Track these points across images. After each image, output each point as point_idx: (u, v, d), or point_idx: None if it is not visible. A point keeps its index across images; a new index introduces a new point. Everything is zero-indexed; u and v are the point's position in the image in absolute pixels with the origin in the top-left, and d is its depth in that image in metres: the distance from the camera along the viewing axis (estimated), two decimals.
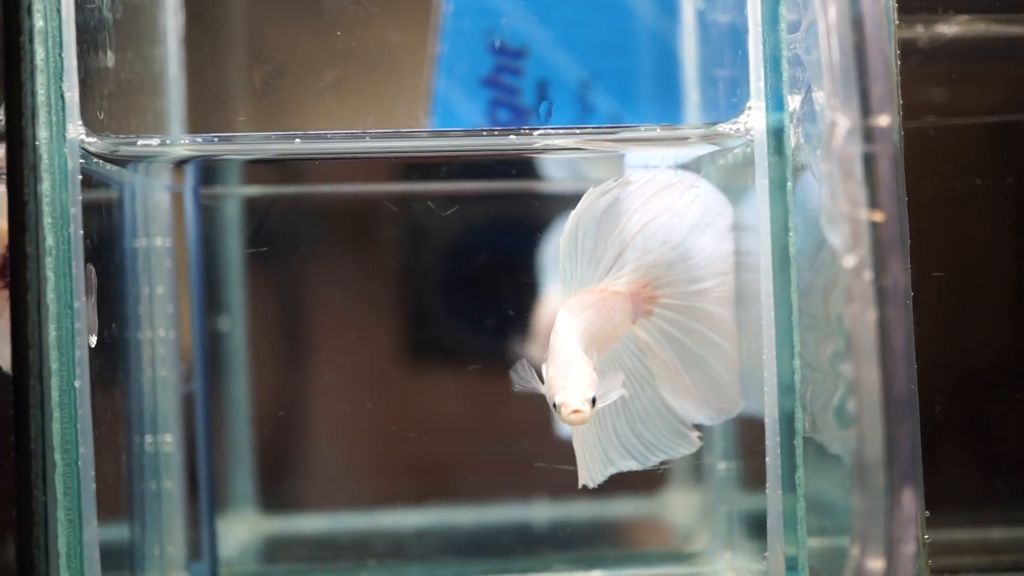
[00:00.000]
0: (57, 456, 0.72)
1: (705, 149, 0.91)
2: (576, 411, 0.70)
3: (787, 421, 0.75)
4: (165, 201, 0.92)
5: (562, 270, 0.75)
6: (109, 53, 0.81)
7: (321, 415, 1.03)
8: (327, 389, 1.02)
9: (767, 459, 0.76)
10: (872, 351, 0.64)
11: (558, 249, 0.74)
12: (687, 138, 0.85)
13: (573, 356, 0.72)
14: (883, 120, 0.65)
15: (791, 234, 0.75)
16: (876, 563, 0.65)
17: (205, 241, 0.94)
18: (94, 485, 0.73)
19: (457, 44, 0.95)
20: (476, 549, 1.01)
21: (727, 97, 0.87)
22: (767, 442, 0.76)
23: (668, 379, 0.77)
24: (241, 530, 1.00)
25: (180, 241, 0.93)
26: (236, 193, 0.99)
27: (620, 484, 1.00)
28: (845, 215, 0.65)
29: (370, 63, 0.94)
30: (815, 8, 0.67)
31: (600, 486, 1.01)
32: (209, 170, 0.95)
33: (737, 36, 0.85)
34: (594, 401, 0.71)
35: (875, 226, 0.65)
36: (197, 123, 0.94)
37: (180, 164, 0.91)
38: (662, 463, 0.79)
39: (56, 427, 0.72)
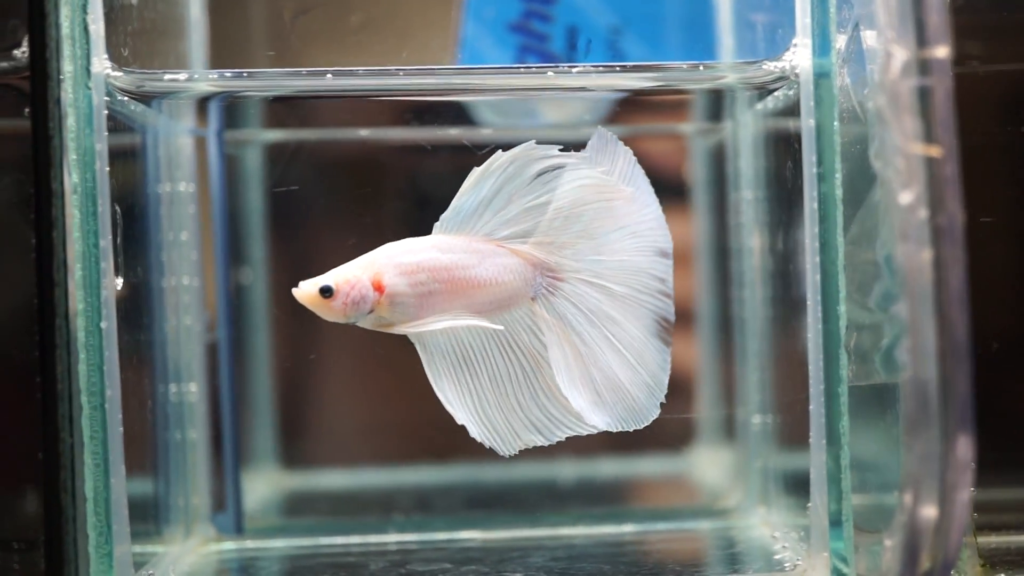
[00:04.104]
0: (83, 399, 0.70)
1: (743, 92, 0.89)
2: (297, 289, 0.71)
3: (831, 369, 0.73)
4: (188, 145, 0.90)
5: (457, 202, 0.72)
6: None
7: (344, 369, 1.01)
8: (350, 342, 1.01)
9: (811, 408, 0.74)
10: (927, 291, 0.62)
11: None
12: (725, 77, 0.83)
13: (377, 255, 0.71)
14: (940, 52, 0.63)
15: (837, 176, 0.73)
16: (930, 510, 0.63)
17: (229, 186, 0.92)
18: (121, 429, 0.71)
19: None
20: (502, 505, 0.99)
21: (767, 39, 0.84)
22: (811, 391, 0.74)
23: (564, 367, 0.73)
24: (261, 485, 0.98)
25: (203, 186, 0.91)
26: (259, 138, 0.97)
27: (649, 441, 0.99)
28: (899, 150, 0.63)
29: (397, 6, 0.92)
30: None
31: (629, 443, 1.01)
32: (232, 113, 0.92)
33: None
34: (328, 291, 0.70)
35: (931, 162, 0.63)
36: (219, 66, 0.92)
37: (204, 104, 0.89)
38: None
39: (82, 369, 0.70)
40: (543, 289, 0.73)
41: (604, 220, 0.74)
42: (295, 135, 0.97)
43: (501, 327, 0.72)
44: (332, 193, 0.96)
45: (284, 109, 0.96)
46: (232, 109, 0.92)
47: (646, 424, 0.75)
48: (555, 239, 0.73)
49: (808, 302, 0.74)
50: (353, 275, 0.71)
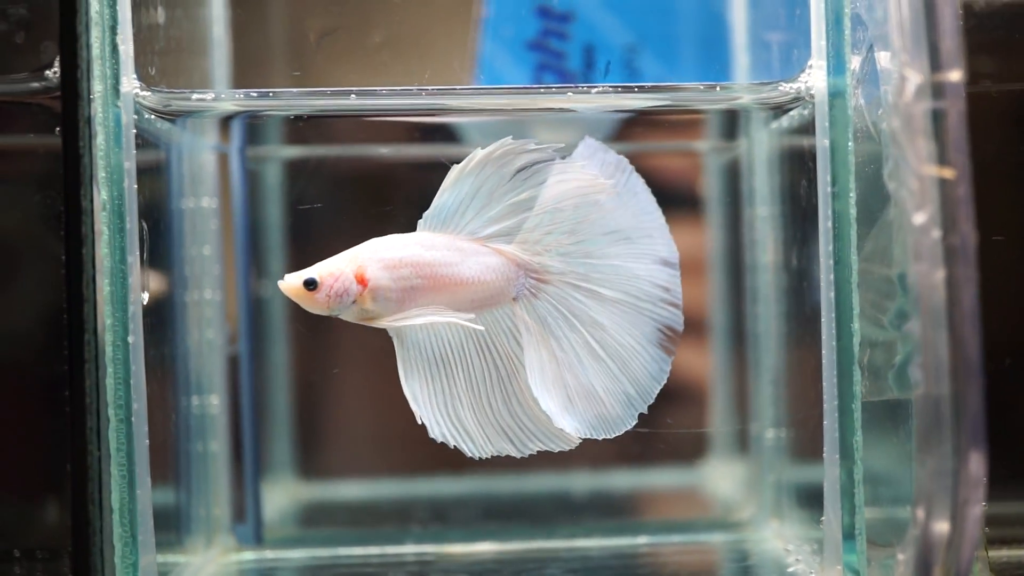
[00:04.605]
0: (110, 411, 0.72)
1: (759, 112, 0.90)
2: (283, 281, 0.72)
3: (845, 384, 0.74)
4: (211, 162, 0.92)
5: (438, 200, 0.72)
6: (160, 9, 0.81)
7: (360, 382, 1.02)
8: (367, 355, 1.02)
9: (824, 423, 0.75)
10: (940, 310, 0.63)
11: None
12: (740, 98, 0.84)
13: (361, 249, 0.72)
14: (953, 75, 0.64)
15: (852, 195, 0.74)
16: (942, 526, 0.64)
17: (251, 202, 0.94)
18: (147, 441, 0.73)
19: (503, 7, 0.94)
20: (517, 516, 1.00)
21: (782, 59, 0.86)
22: (824, 406, 0.75)
23: (538, 369, 0.73)
24: (280, 496, 1.00)
25: (225, 202, 0.92)
26: (279, 155, 0.98)
27: (661, 454, 1.00)
28: (913, 172, 0.64)
29: (415, 25, 0.93)
30: None
31: (643, 456, 1.02)
32: (254, 129, 0.94)
33: None
34: (312, 284, 0.71)
35: (944, 183, 0.64)
36: (241, 84, 0.93)
37: (226, 121, 0.90)
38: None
39: (110, 382, 0.72)
40: (526, 290, 0.74)
41: (591, 221, 0.74)
42: (315, 152, 0.98)
43: (482, 327, 0.73)
44: (351, 209, 0.98)
45: (304, 126, 0.97)
46: (253, 126, 0.93)
47: (617, 434, 0.75)
48: (540, 239, 0.73)
49: (822, 318, 0.75)
50: (337, 268, 0.72)
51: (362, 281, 0.72)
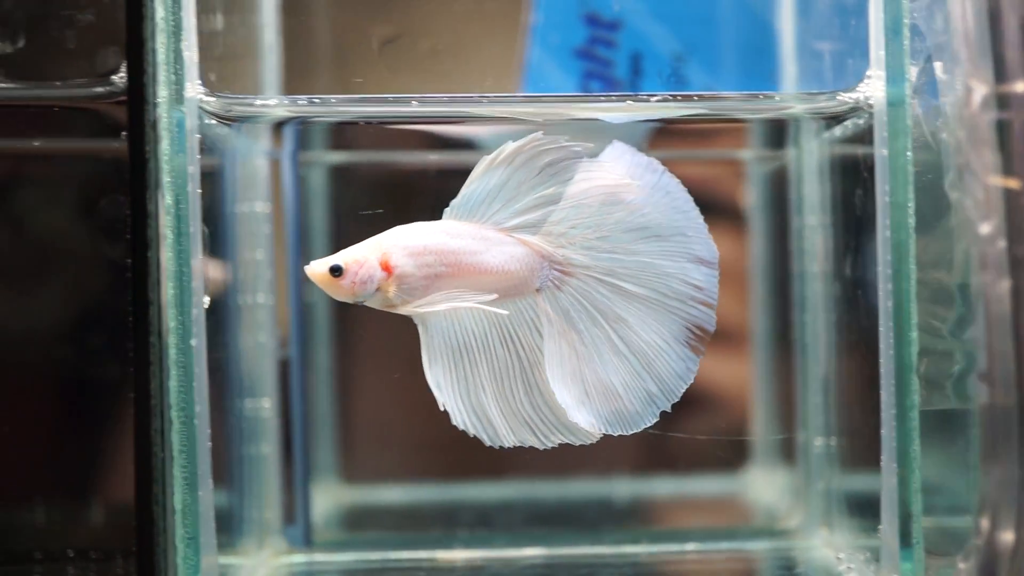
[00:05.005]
0: (173, 414, 0.72)
1: (810, 121, 0.90)
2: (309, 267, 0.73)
3: (903, 394, 0.74)
4: (264, 166, 0.93)
5: (466, 190, 0.73)
6: (219, 16, 0.81)
7: (403, 387, 1.03)
8: (414, 358, 1.02)
9: (882, 432, 0.75)
10: (1006, 320, 0.63)
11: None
12: (792, 107, 0.84)
13: (386, 237, 0.73)
14: (1019, 86, 0.65)
15: (910, 205, 0.74)
16: (1007, 535, 0.64)
17: (302, 206, 0.94)
18: (209, 444, 0.73)
19: (551, 14, 0.95)
20: (561, 521, 1.01)
21: (835, 68, 0.86)
22: (882, 415, 0.75)
23: (557, 361, 0.73)
24: (326, 499, 1.00)
25: (277, 206, 0.93)
26: (324, 160, 0.99)
27: (709, 460, 1.01)
28: (979, 182, 0.64)
29: (464, 32, 0.94)
30: None
31: (688, 462, 1.02)
32: (304, 134, 0.95)
33: (843, 8, 0.84)
34: (338, 270, 0.72)
35: (1010, 193, 0.64)
36: (291, 88, 0.94)
37: (278, 128, 0.91)
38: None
39: (173, 384, 0.72)
40: (549, 282, 0.74)
41: (618, 218, 0.74)
42: (363, 157, 0.99)
43: (506, 312, 0.73)
44: (403, 215, 0.98)
45: (353, 132, 0.98)
46: (304, 130, 0.94)
47: (635, 431, 0.74)
48: (565, 232, 0.74)
49: (880, 328, 0.75)
50: (362, 255, 0.73)
51: (387, 268, 0.73)
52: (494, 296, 0.73)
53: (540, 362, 0.73)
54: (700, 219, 0.75)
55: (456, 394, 0.73)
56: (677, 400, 0.75)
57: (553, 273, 0.74)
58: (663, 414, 0.75)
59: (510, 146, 0.73)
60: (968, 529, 0.72)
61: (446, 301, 0.72)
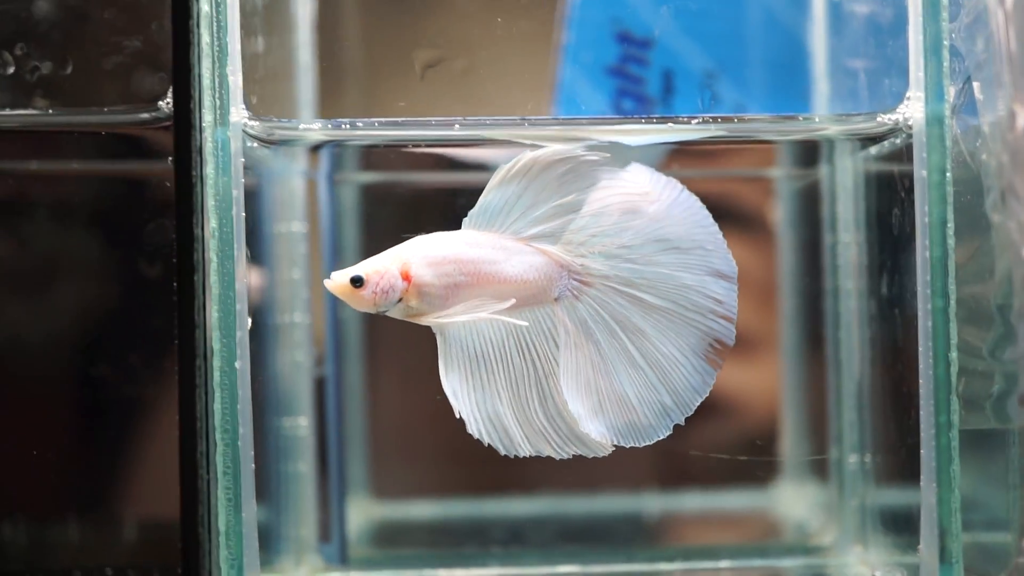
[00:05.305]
0: (218, 436, 0.73)
1: (845, 141, 0.90)
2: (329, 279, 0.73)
3: (942, 413, 0.75)
4: (300, 187, 0.93)
5: (484, 200, 0.74)
6: (260, 38, 0.82)
7: (433, 404, 1.03)
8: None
9: (922, 451, 0.75)
10: None
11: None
12: (827, 128, 0.85)
13: (406, 247, 0.73)
14: None
15: (950, 225, 0.74)
16: None
17: (337, 226, 0.95)
18: (252, 465, 0.74)
19: (583, 33, 0.95)
20: (593, 538, 1.01)
21: (871, 88, 0.86)
22: (922, 435, 0.75)
23: (572, 372, 0.73)
24: (359, 516, 1.01)
25: (313, 226, 0.94)
26: (356, 180, 1.00)
27: (741, 475, 1.01)
28: (1022, 205, 0.65)
29: (497, 51, 0.94)
30: None
31: (720, 477, 1.02)
32: (339, 155, 0.95)
33: (879, 27, 0.84)
34: (358, 281, 0.72)
35: None
36: (326, 111, 0.95)
37: (315, 149, 0.92)
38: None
39: (217, 407, 0.73)
40: (568, 291, 0.74)
41: (637, 228, 0.74)
42: (396, 177, 1.00)
43: (526, 323, 0.73)
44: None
45: (385, 150, 0.99)
46: (340, 153, 0.95)
47: (648, 443, 0.74)
48: (584, 241, 0.74)
49: (920, 347, 0.75)
50: (382, 265, 0.73)
51: (407, 278, 0.73)
52: (512, 302, 0.73)
53: (556, 372, 0.74)
54: (719, 234, 0.76)
55: (472, 402, 0.73)
56: (691, 414, 0.75)
57: (572, 283, 0.74)
58: (691, 426, 0.75)
59: (527, 155, 0.73)
60: (1010, 546, 0.72)
61: (467, 312, 0.73)
